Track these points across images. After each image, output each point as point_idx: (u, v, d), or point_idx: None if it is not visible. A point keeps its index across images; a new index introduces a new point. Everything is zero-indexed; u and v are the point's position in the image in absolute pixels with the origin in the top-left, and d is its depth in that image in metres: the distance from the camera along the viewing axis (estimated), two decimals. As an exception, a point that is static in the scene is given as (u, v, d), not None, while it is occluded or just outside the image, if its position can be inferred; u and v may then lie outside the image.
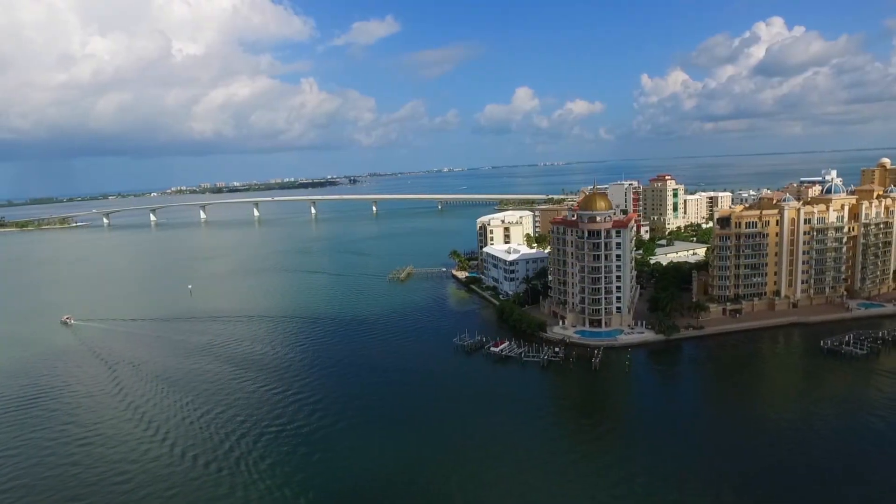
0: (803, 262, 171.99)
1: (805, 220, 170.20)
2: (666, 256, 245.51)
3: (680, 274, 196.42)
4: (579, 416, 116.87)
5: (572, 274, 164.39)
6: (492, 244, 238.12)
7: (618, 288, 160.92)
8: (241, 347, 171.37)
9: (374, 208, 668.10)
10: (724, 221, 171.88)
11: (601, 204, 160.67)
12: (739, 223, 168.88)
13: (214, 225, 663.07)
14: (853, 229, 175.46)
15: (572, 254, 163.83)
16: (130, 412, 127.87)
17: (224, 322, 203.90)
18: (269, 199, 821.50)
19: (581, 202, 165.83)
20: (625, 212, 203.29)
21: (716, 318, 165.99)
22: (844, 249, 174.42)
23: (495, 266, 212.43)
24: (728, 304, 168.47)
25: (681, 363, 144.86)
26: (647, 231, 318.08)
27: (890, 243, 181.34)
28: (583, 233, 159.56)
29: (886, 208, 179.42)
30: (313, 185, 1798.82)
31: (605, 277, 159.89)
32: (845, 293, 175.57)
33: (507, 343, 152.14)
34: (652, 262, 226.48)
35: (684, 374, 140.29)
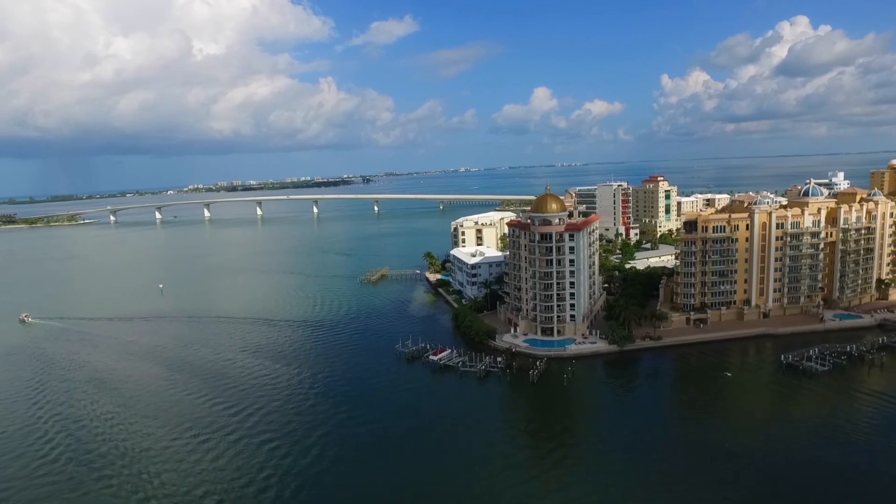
0: (776, 270, 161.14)
1: (778, 225, 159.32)
2: (648, 261, 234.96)
3: (652, 280, 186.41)
4: (498, 434, 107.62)
5: (526, 279, 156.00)
6: (463, 246, 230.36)
7: (572, 295, 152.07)
8: (186, 351, 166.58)
9: (376, 208, 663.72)
10: (691, 225, 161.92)
11: (553, 206, 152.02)
12: (706, 227, 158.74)
13: (217, 223, 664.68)
14: (831, 235, 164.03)
15: (525, 258, 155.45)
16: (32, 412, 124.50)
17: (182, 323, 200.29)
18: (272, 197, 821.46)
19: (533, 204, 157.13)
20: (585, 214, 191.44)
21: (678, 328, 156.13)
22: (821, 256, 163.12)
23: (460, 269, 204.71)
24: (692, 313, 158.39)
25: (628, 377, 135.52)
26: (636, 234, 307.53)
27: (872, 250, 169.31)
28: (534, 236, 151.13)
29: (868, 213, 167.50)
30: (328, 184, 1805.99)
31: (558, 284, 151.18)
32: (822, 303, 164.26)
33: (448, 351, 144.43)
34: (627, 266, 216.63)
35: (629, 389, 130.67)
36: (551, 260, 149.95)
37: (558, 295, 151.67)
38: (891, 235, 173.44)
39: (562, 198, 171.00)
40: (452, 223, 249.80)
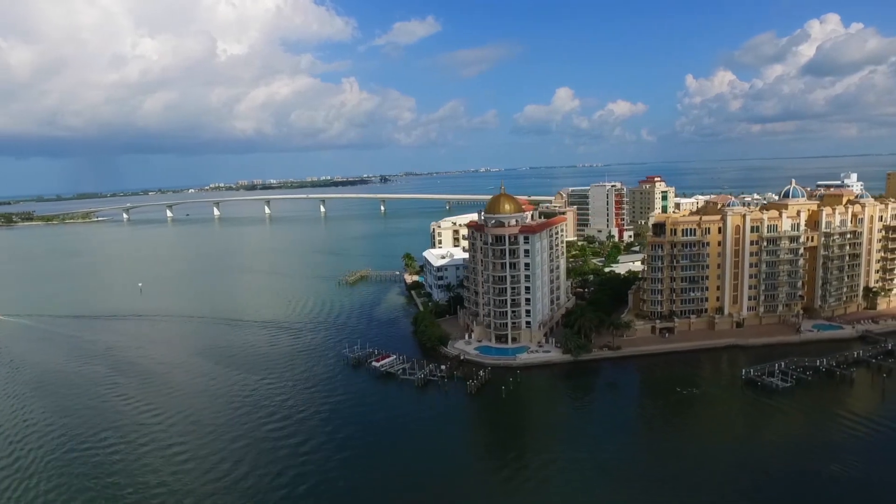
0: (750, 277, 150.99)
1: (752, 228, 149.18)
2: (633, 264, 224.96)
3: (626, 285, 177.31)
4: (403, 454, 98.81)
5: (481, 283, 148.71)
6: (440, 247, 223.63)
7: (527, 300, 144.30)
8: (140, 352, 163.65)
9: (382, 207, 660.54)
10: (659, 228, 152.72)
11: (507, 206, 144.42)
12: (675, 230, 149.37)
13: (226, 222, 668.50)
14: (812, 239, 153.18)
15: (481, 261, 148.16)
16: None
17: (149, 322, 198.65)
18: (280, 196, 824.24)
19: (487, 204, 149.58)
20: (547, 215, 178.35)
21: (643, 337, 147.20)
22: (801, 262, 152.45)
23: (429, 271, 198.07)
24: (658, 321, 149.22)
25: (577, 390, 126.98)
26: (630, 236, 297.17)
27: (858, 256, 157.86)
28: (488, 238, 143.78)
29: (854, 216, 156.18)
30: (347, 183, 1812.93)
31: (513, 289, 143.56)
32: (801, 313, 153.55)
33: (392, 357, 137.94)
34: (607, 270, 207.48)
35: (574, 403, 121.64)
36: (505, 263, 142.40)
37: (513, 300, 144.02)
38: (880, 241, 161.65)
39: (521, 198, 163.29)
40: (431, 224, 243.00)
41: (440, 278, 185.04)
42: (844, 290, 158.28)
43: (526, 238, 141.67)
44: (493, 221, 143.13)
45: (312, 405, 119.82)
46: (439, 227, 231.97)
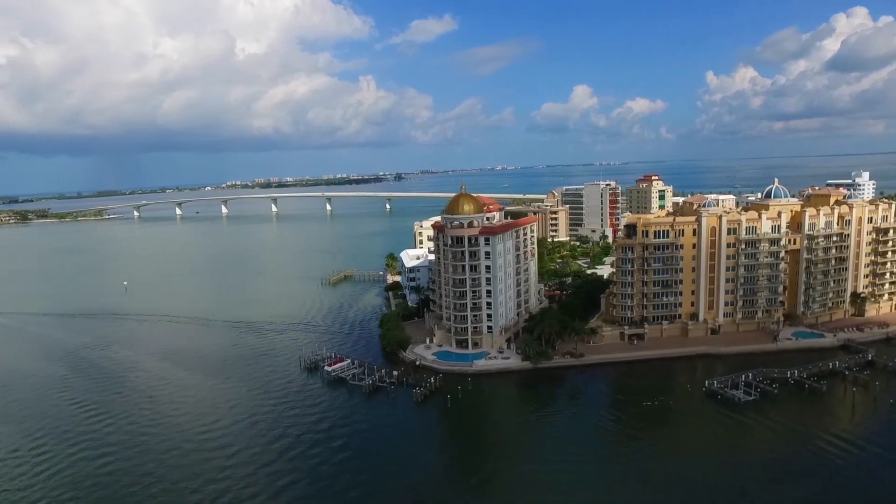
0: (727, 281, 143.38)
1: (729, 230, 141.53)
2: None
3: (603, 289, 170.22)
4: (328, 467, 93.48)
5: (443, 286, 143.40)
6: (420, 247, 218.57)
7: (488, 304, 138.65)
8: (101, 352, 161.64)
9: (388, 206, 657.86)
10: (630, 229, 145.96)
11: (467, 207, 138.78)
12: (647, 232, 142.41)
13: (233, 220, 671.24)
14: (794, 242, 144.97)
15: (443, 263, 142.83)
16: None
17: (123, 322, 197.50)
18: (287, 195, 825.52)
19: (447, 204, 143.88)
20: (515, 215, 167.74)
21: (612, 344, 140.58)
22: (782, 266, 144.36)
23: (403, 272, 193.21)
24: (627, 328, 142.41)
25: (531, 401, 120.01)
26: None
27: (845, 259, 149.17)
28: (447, 239, 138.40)
29: (841, 217, 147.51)
30: (362, 181, 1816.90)
31: (473, 292, 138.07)
32: (782, 320, 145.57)
33: (346, 362, 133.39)
34: (589, 272, 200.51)
35: (524, 414, 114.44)
36: (464, 265, 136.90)
37: (473, 304, 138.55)
38: (869, 243, 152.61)
39: (484, 197, 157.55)
40: (415, 223, 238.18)
41: (412, 279, 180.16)
42: (830, 295, 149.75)
43: (487, 239, 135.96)
44: (453, 222, 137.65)
45: (257, 413, 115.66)
46: (421, 226, 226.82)
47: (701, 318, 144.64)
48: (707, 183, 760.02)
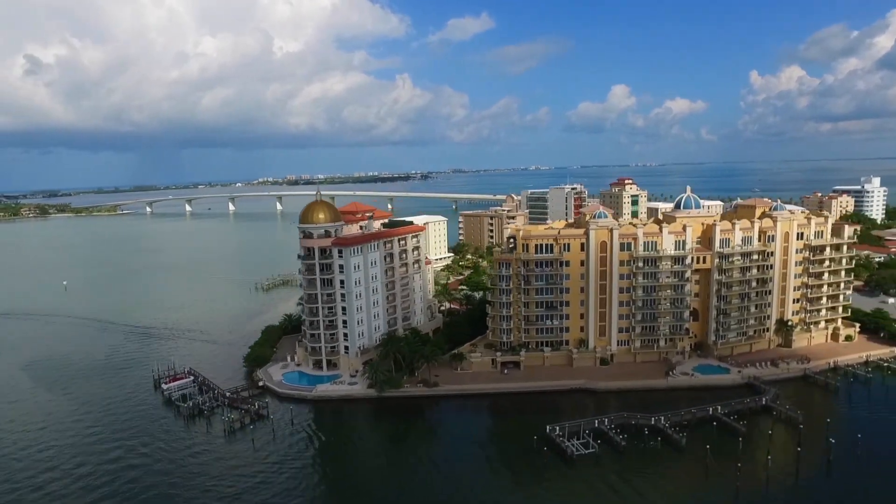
0: (621, 304, 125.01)
1: (623, 246, 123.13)
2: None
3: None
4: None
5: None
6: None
7: (344, 323, 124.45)
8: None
9: (389, 205, 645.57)
10: (511, 242, 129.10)
11: (321, 215, 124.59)
12: (527, 246, 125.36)
13: (238, 217, 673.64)
14: (704, 260, 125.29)
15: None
16: None
17: (29, 322, 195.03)
18: (292, 193, 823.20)
19: (301, 212, 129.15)
20: (395, 223, 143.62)
21: (483, 372, 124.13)
22: (688, 288, 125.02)
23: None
24: (500, 354, 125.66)
25: (355, 438, 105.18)
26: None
27: (768, 281, 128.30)
28: (301, 251, 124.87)
29: (762, 233, 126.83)
30: (390, 179, 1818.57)
31: (328, 308, 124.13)
32: (688, 350, 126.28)
33: (186, 379, 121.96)
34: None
35: (340, 455, 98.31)
36: (314, 280, 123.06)
37: (329, 322, 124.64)
38: (800, 263, 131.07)
39: (362, 205, 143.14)
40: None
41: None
42: (751, 322, 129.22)
43: (340, 251, 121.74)
44: (303, 232, 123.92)
45: (65, 435, 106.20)
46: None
47: (591, 345, 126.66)
48: (729, 187, 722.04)
